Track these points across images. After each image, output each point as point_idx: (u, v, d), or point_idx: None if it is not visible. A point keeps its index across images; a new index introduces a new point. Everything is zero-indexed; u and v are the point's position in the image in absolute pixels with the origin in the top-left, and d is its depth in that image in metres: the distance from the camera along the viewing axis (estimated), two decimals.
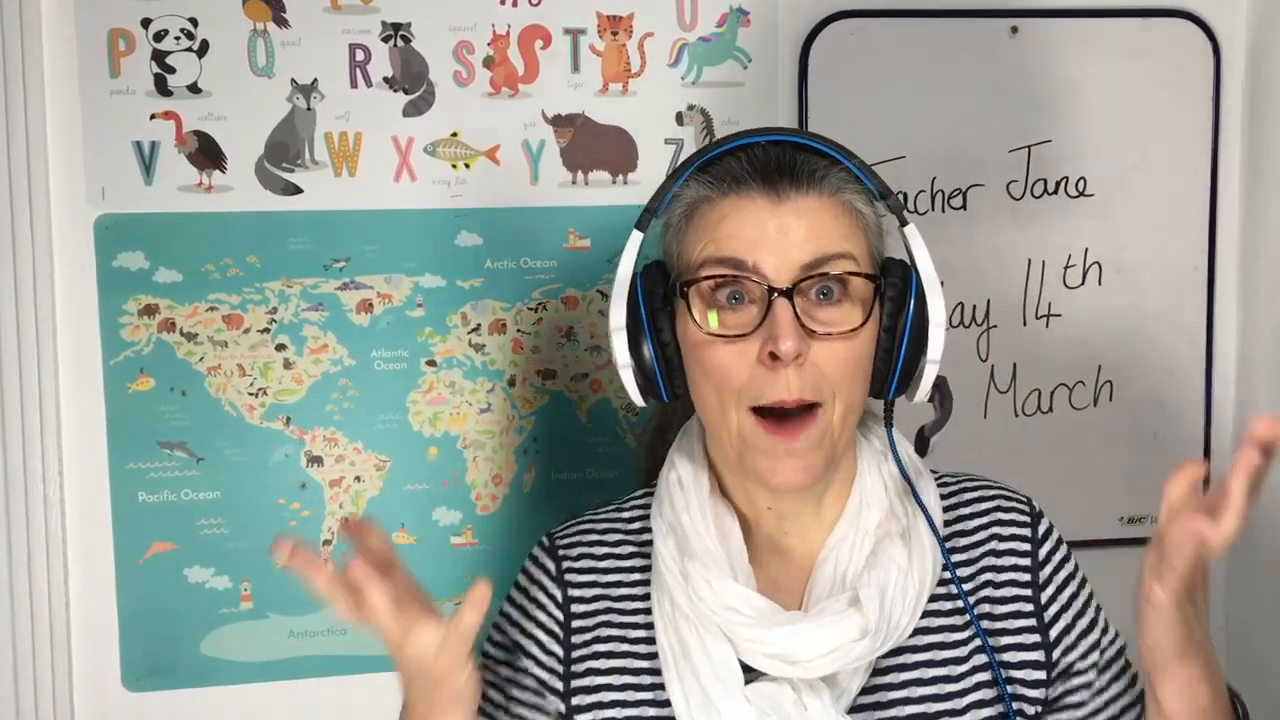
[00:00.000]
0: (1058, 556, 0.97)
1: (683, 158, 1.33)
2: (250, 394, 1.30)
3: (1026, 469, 1.43)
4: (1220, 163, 1.44)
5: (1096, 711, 0.93)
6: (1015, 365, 1.43)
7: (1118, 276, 1.43)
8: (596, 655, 0.95)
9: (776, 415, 0.86)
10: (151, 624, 1.30)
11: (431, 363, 1.33)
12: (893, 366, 0.90)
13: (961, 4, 1.38)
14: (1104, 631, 0.97)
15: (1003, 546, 0.96)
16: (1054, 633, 0.93)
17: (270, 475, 1.31)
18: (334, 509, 1.32)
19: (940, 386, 0.93)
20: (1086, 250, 1.43)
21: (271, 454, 1.31)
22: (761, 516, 0.95)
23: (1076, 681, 0.93)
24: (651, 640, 0.93)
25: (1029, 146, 1.40)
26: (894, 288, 0.89)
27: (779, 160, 0.88)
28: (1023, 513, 0.98)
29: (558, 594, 0.98)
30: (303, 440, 1.31)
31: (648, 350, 0.91)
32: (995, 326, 1.42)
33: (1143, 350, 1.45)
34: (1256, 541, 1.44)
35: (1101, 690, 0.94)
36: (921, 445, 0.98)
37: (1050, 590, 0.95)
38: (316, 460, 1.32)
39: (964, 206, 1.39)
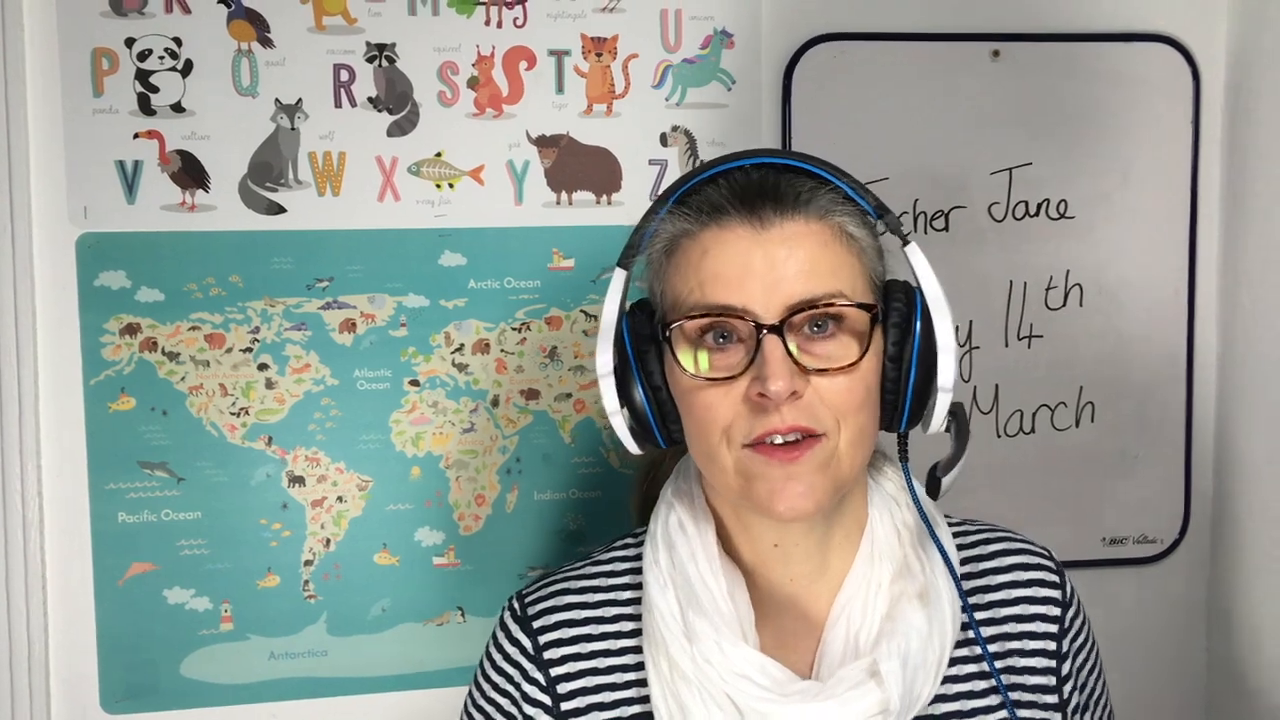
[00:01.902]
0: (1080, 622, 0.93)
1: (667, 178, 1.35)
2: (232, 414, 1.30)
3: (1009, 490, 1.43)
4: (1200, 186, 1.45)
5: None
6: (997, 386, 1.44)
7: (1099, 298, 1.44)
8: None
9: (773, 442, 0.81)
10: (131, 645, 1.29)
11: (414, 382, 1.33)
12: (901, 397, 0.84)
13: (944, 28, 1.39)
14: (1106, 706, 0.94)
15: (1031, 611, 0.91)
16: (1066, 689, 0.90)
17: (252, 495, 1.30)
18: (315, 529, 1.31)
19: (956, 414, 0.87)
20: (1068, 272, 1.44)
21: (253, 474, 1.30)
22: (766, 564, 0.89)
23: None
24: (648, 715, 0.87)
25: (1010, 169, 1.41)
26: (898, 313, 0.84)
27: (761, 184, 0.83)
28: (1051, 571, 0.93)
29: (540, 677, 0.90)
30: (284, 460, 1.31)
31: (638, 396, 0.85)
32: (978, 347, 1.43)
33: (1124, 371, 1.46)
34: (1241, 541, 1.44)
35: None
36: (933, 487, 0.89)
37: (1070, 660, 0.91)
38: (298, 480, 1.31)
39: (946, 228, 1.40)
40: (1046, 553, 0.95)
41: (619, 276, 0.87)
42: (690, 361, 0.83)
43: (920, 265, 0.85)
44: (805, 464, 0.81)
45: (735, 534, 0.90)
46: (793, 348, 0.80)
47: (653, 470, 1.04)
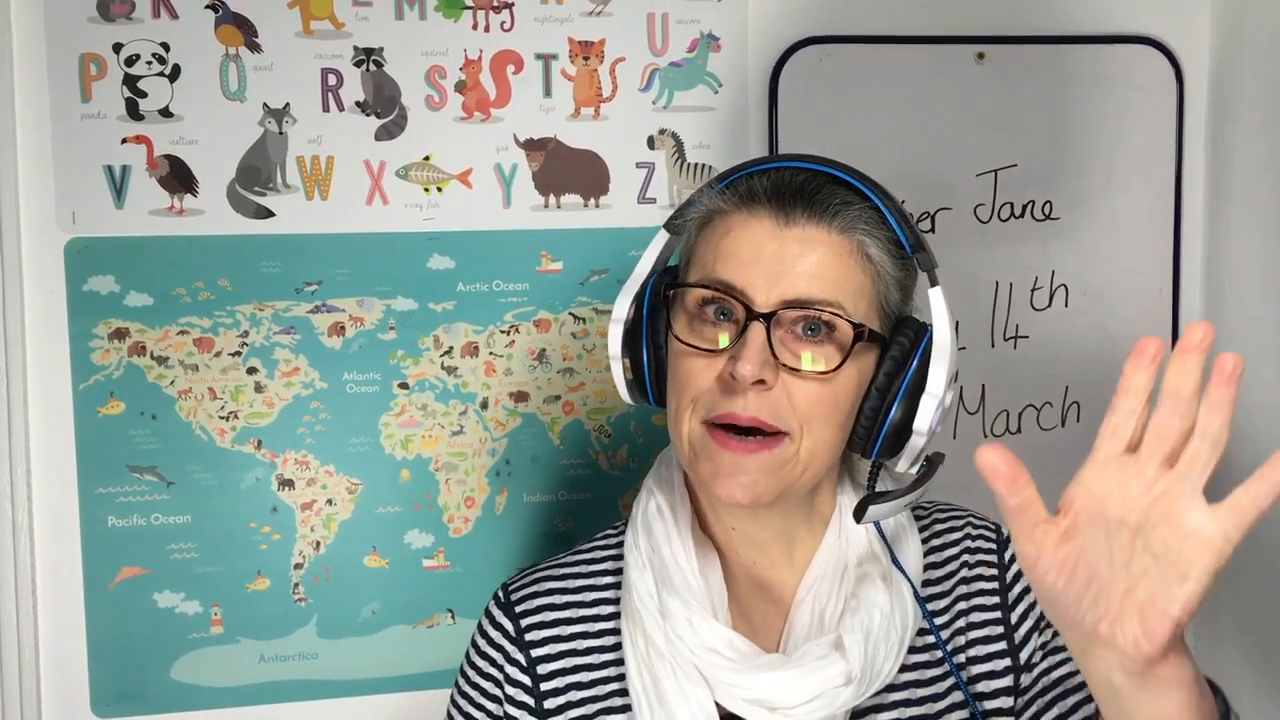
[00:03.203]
0: (1024, 580, 0.95)
1: (654, 181, 1.36)
2: (221, 417, 1.30)
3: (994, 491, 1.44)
4: (1184, 186, 1.46)
5: (1048, 689, 0.89)
6: (984, 387, 1.45)
7: (1084, 299, 1.45)
8: None
9: (732, 431, 0.83)
10: (121, 649, 1.29)
11: (404, 385, 1.34)
12: (877, 428, 0.86)
13: (929, 30, 1.40)
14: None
15: (972, 574, 0.94)
16: (1024, 654, 0.91)
17: (241, 499, 1.31)
18: (305, 532, 1.32)
19: (931, 462, 0.88)
20: (1053, 273, 1.45)
21: (242, 477, 1.31)
22: (731, 546, 0.92)
23: (1035, 671, 0.90)
24: (624, 692, 0.90)
25: (995, 171, 1.42)
26: (899, 348, 0.85)
27: (802, 187, 0.85)
28: (989, 539, 0.96)
29: (521, 658, 0.94)
30: (274, 463, 1.31)
31: (641, 349, 0.90)
32: (964, 348, 1.43)
33: (1109, 371, 1.44)
34: None
35: (1050, 670, 0.90)
36: (858, 512, 0.88)
37: (1019, 611, 0.92)
38: (288, 484, 1.31)
39: (932, 229, 1.41)
40: (988, 521, 0.97)
41: (660, 237, 0.92)
42: (683, 327, 0.86)
43: (938, 310, 0.85)
44: (756, 461, 0.83)
45: (706, 513, 0.94)
46: (775, 340, 0.82)
47: None
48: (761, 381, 0.81)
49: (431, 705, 1.35)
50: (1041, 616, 0.93)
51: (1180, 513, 0.61)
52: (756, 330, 0.81)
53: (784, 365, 0.82)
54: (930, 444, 0.87)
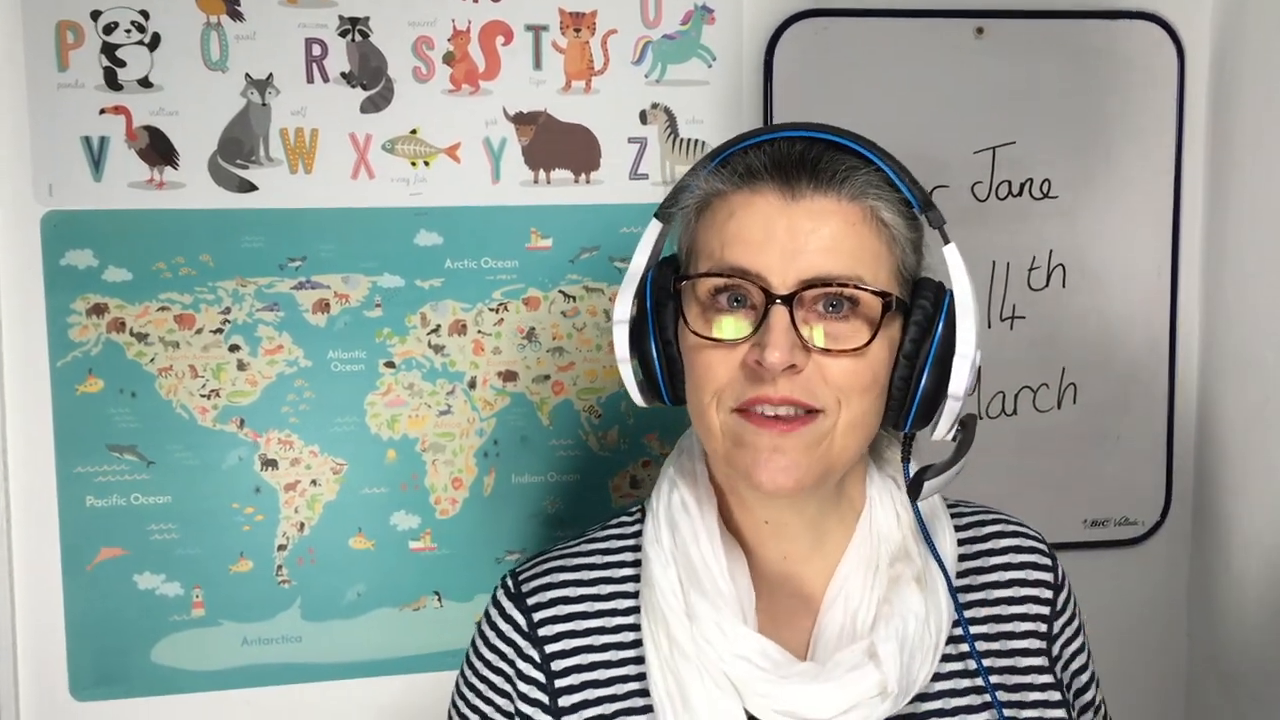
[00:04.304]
0: (1071, 606, 0.93)
1: (646, 156, 1.34)
2: (202, 396, 1.27)
3: (990, 472, 1.41)
4: (1184, 165, 1.44)
5: None
6: (980, 368, 1.42)
7: (1081, 279, 1.43)
8: None
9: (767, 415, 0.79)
10: (100, 632, 1.27)
11: (390, 364, 1.31)
12: (910, 397, 0.82)
13: (927, 4, 1.37)
14: (1096, 687, 0.95)
15: (1023, 594, 0.91)
16: (1063, 686, 0.89)
17: (223, 479, 1.28)
18: (289, 513, 1.29)
19: (966, 425, 0.85)
20: (1051, 252, 1.43)
21: (224, 457, 1.28)
22: (761, 541, 0.88)
23: None
24: (645, 692, 0.86)
25: (993, 148, 1.40)
26: (921, 311, 0.81)
27: (802, 157, 0.80)
28: (1044, 554, 0.93)
29: (534, 654, 0.89)
30: (257, 443, 1.28)
31: (650, 348, 0.84)
32: None
33: (1106, 352, 1.45)
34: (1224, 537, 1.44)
35: None
36: (914, 488, 0.85)
37: (1061, 642, 0.91)
38: (271, 464, 1.29)
39: None
40: (1039, 536, 0.95)
41: (653, 228, 0.87)
42: (697, 320, 0.82)
43: (956, 267, 0.82)
44: (795, 439, 0.79)
45: (734, 508, 0.89)
46: (800, 322, 0.79)
47: None
48: (792, 366, 0.78)
49: (418, 689, 1.33)
50: (1076, 644, 0.92)
51: None
52: (779, 314, 0.77)
53: (813, 346, 0.79)
54: (964, 406, 0.83)
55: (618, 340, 0.85)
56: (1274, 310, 1.33)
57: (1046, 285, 1.43)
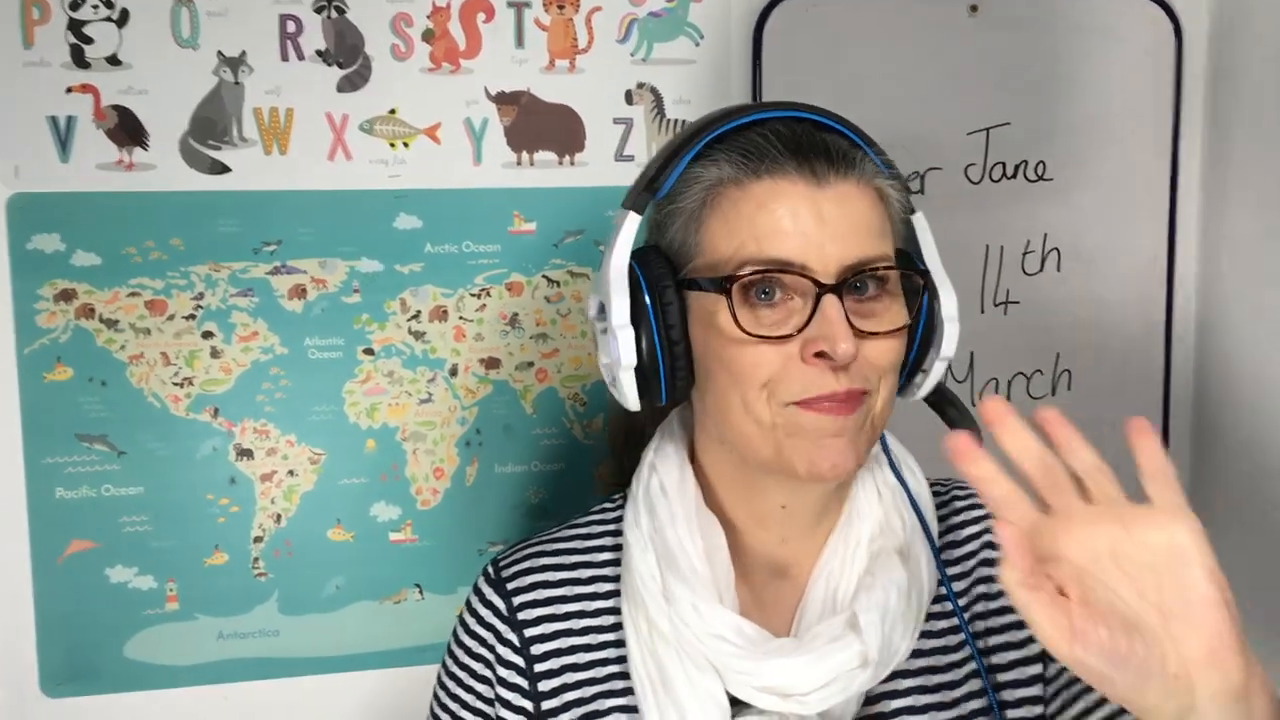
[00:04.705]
0: None
1: (632, 138, 1.30)
2: (175, 384, 1.23)
3: None
4: (1181, 147, 1.41)
5: None
6: (973, 354, 1.40)
7: (1076, 263, 1.40)
8: (567, 706, 0.87)
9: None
10: (71, 626, 1.23)
11: (369, 351, 1.27)
12: (917, 362, 0.85)
13: None
14: None
15: (997, 555, 0.90)
16: None
17: (197, 470, 1.24)
18: (265, 504, 1.26)
19: (942, 393, 0.88)
20: (1045, 236, 1.40)
21: (198, 447, 1.24)
22: (763, 525, 0.87)
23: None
24: (625, 675, 0.86)
25: (987, 129, 1.37)
26: (910, 280, 0.83)
27: (811, 139, 0.80)
28: None
29: (514, 638, 0.89)
30: (231, 433, 1.25)
31: (649, 348, 0.81)
32: None
33: (1101, 338, 1.42)
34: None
35: None
36: (975, 432, 0.90)
37: None
38: (246, 454, 1.25)
39: (921, 190, 1.35)
40: None
41: (632, 221, 0.82)
42: (746, 318, 0.79)
43: (926, 236, 0.85)
44: (853, 421, 0.80)
45: (730, 495, 0.88)
46: (846, 310, 0.78)
47: (624, 439, 1.03)
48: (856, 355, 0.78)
49: (399, 684, 1.30)
50: None
51: (1133, 520, 0.62)
52: (833, 304, 0.77)
53: (862, 333, 0.78)
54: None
55: (625, 348, 0.80)
56: (1271, 295, 1.31)
57: (1041, 270, 1.40)
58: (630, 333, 0.80)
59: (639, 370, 0.82)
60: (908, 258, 0.85)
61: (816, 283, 0.77)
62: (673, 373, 0.82)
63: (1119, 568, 0.62)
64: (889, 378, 0.81)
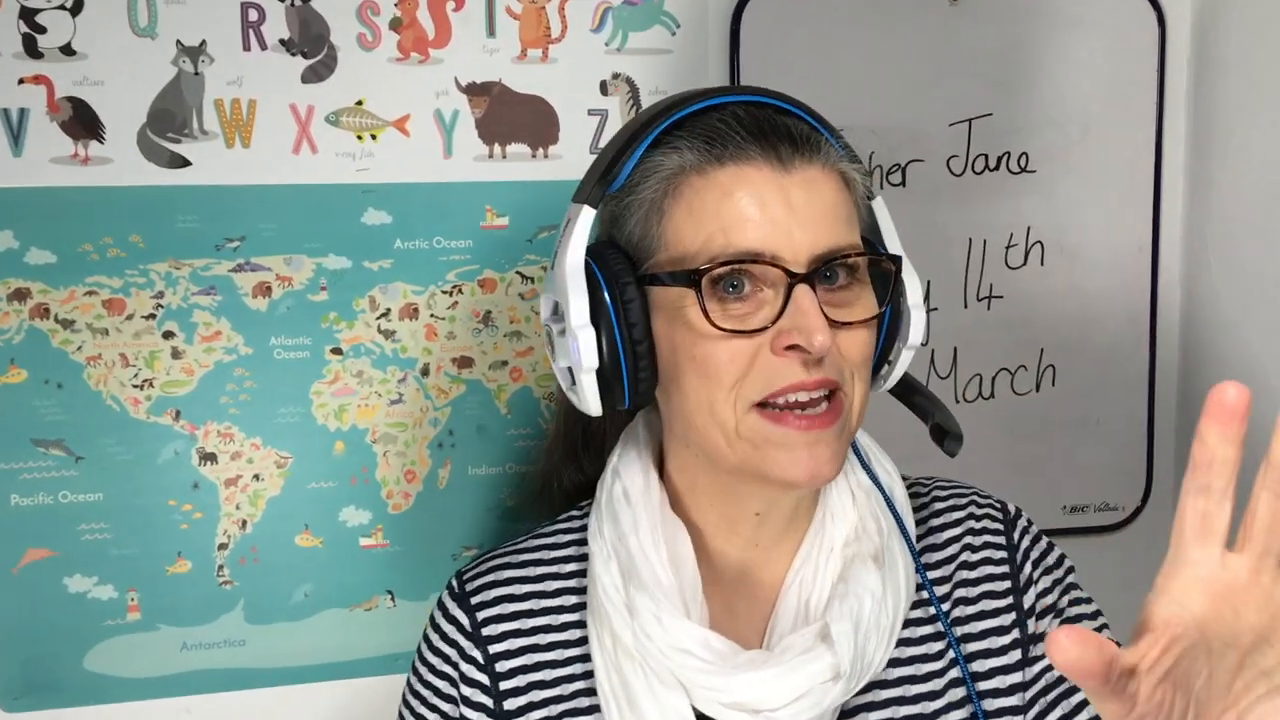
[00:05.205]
0: (1037, 553, 0.88)
1: (608, 130, 1.26)
2: (135, 386, 1.19)
3: (967, 457, 1.35)
4: (1165, 138, 1.39)
5: None
6: (956, 349, 1.37)
7: (1060, 257, 1.38)
8: None
9: (796, 402, 0.75)
10: (28, 638, 1.19)
11: (337, 350, 1.23)
12: (886, 351, 0.83)
13: None
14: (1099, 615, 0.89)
15: (976, 557, 0.87)
16: (1037, 648, 0.84)
17: (158, 475, 1.20)
18: (230, 510, 1.22)
19: (908, 383, 0.86)
20: (1029, 229, 1.37)
21: (159, 451, 1.20)
22: (735, 531, 0.84)
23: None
24: (591, 691, 0.83)
25: (970, 120, 1.34)
26: (875, 267, 0.81)
27: (771, 123, 0.77)
28: (995, 519, 0.89)
29: (477, 654, 0.86)
30: (194, 436, 1.21)
31: (616, 349, 0.78)
32: (935, 309, 1.36)
33: (1086, 333, 1.40)
34: None
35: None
36: (953, 444, 0.86)
37: (1030, 602, 0.85)
38: (210, 458, 1.21)
39: (903, 183, 1.33)
40: (990, 500, 0.91)
41: (587, 215, 0.79)
42: (716, 313, 0.75)
43: (886, 220, 0.82)
44: (834, 430, 0.76)
45: (701, 500, 0.85)
46: (820, 299, 0.75)
47: (583, 440, 0.99)
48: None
49: (369, 693, 1.26)
50: (1054, 610, 0.86)
51: None
52: (805, 294, 0.74)
53: (836, 323, 0.75)
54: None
55: (586, 350, 0.77)
56: (1257, 288, 1.30)
57: (1024, 263, 1.38)
58: (591, 333, 0.77)
59: (600, 373, 0.78)
60: (874, 245, 0.83)
61: (788, 272, 0.74)
62: (636, 374, 0.79)
63: (1234, 651, 0.53)
64: (862, 371, 0.78)
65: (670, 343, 0.78)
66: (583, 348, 0.77)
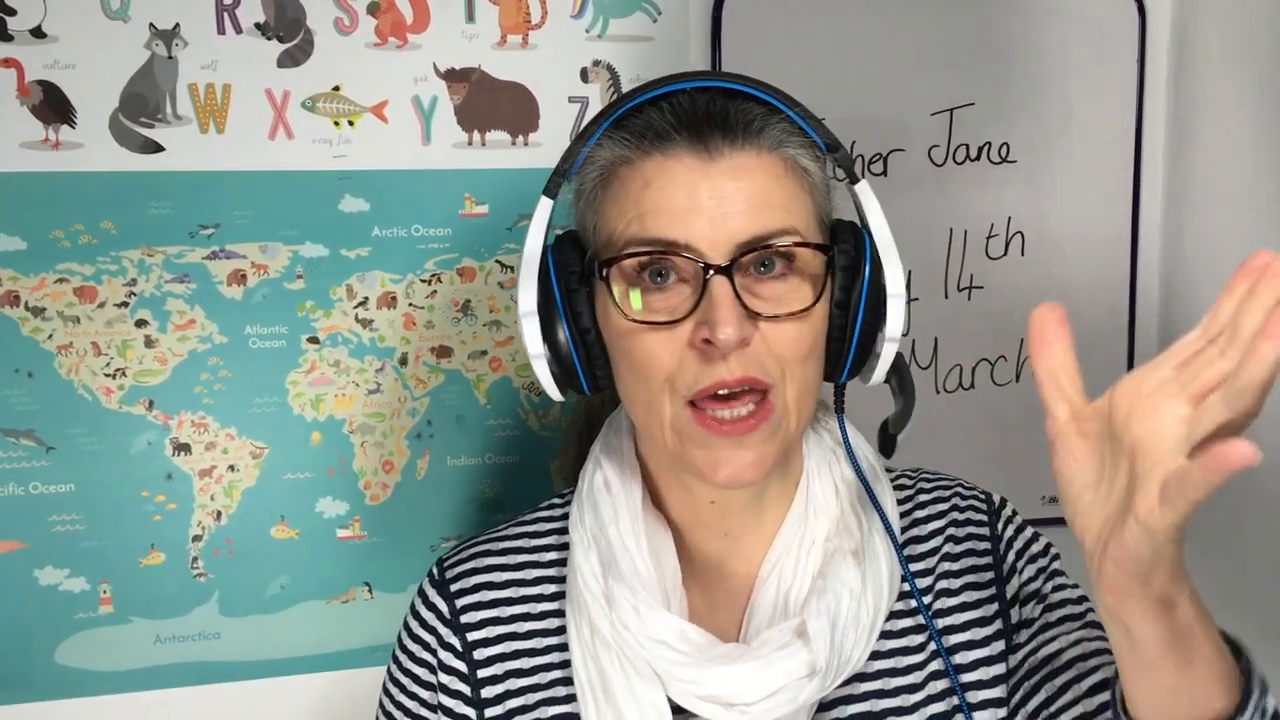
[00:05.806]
0: (1020, 542, 0.86)
1: (588, 117, 1.25)
2: (107, 375, 1.17)
3: (947, 448, 1.37)
4: (1145, 128, 1.39)
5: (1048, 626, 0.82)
6: (936, 340, 1.37)
7: (1040, 247, 1.38)
8: (510, 714, 0.83)
9: (721, 400, 0.74)
10: None
11: (314, 340, 1.22)
12: (846, 346, 0.78)
13: None
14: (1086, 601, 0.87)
15: (960, 549, 0.86)
16: (1020, 636, 0.83)
17: (131, 465, 1.18)
18: (204, 501, 1.20)
19: (897, 366, 0.82)
20: (1009, 219, 1.37)
21: (132, 442, 1.18)
22: (701, 521, 0.84)
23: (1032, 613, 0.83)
24: (569, 681, 0.82)
25: (951, 110, 1.34)
26: (846, 255, 0.77)
27: (709, 111, 0.75)
28: (979, 509, 0.88)
29: (455, 642, 0.85)
30: (168, 426, 1.19)
31: (563, 337, 0.78)
32: (916, 299, 1.36)
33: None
34: None
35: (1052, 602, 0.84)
36: (887, 445, 0.86)
37: (1014, 590, 0.84)
38: (184, 448, 1.19)
39: (885, 173, 1.32)
40: (975, 490, 0.90)
41: (544, 206, 0.80)
42: (625, 302, 0.75)
43: (870, 205, 0.79)
44: (756, 436, 0.75)
45: (667, 490, 0.85)
46: (741, 290, 0.73)
47: (586, 429, 0.98)
48: (743, 341, 0.73)
49: (347, 686, 1.25)
50: (1037, 595, 0.85)
51: (1154, 466, 0.56)
52: (721, 285, 0.72)
53: (759, 315, 0.74)
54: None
55: (529, 336, 0.78)
56: None
57: (1005, 253, 1.38)
58: (535, 321, 0.78)
59: (558, 361, 0.79)
60: (838, 229, 0.79)
61: (705, 264, 0.73)
62: (589, 363, 0.79)
63: (1120, 444, 0.60)
64: (796, 369, 0.76)
65: (607, 332, 0.79)
66: (527, 335, 0.78)
